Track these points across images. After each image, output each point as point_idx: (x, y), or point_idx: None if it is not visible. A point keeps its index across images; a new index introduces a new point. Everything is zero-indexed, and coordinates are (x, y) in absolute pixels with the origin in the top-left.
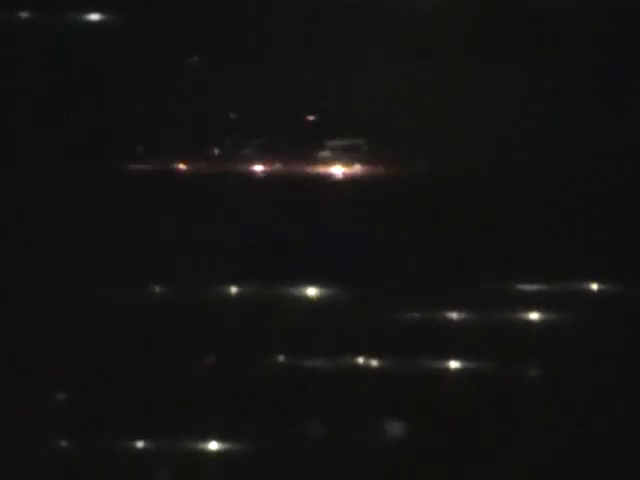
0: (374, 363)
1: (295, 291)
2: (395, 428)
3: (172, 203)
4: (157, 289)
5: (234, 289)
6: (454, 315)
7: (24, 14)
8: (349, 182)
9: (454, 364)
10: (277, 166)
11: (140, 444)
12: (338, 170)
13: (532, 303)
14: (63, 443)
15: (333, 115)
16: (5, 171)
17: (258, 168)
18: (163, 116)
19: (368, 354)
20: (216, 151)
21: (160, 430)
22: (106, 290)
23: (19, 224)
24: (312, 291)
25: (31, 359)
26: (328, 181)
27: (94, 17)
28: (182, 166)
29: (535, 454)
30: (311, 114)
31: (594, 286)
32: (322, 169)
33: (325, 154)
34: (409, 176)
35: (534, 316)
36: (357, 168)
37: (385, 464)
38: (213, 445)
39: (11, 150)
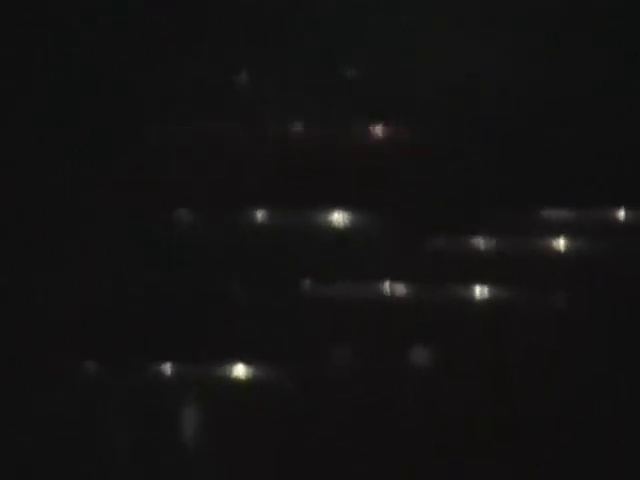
0: (401, 290)
1: (323, 217)
2: (421, 356)
3: None
4: (188, 213)
5: (261, 214)
6: (482, 243)
7: None
8: None
9: (481, 291)
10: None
11: (168, 368)
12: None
13: (559, 230)
14: (96, 367)
15: None
16: None
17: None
18: None
19: (396, 281)
20: None
21: (187, 355)
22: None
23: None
24: (339, 217)
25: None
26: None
27: None
28: None
29: (560, 384)
30: None
31: (621, 213)
32: None
33: None
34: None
35: (561, 244)
36: None
37: (412, 392)
38: (241, 370)
39: None
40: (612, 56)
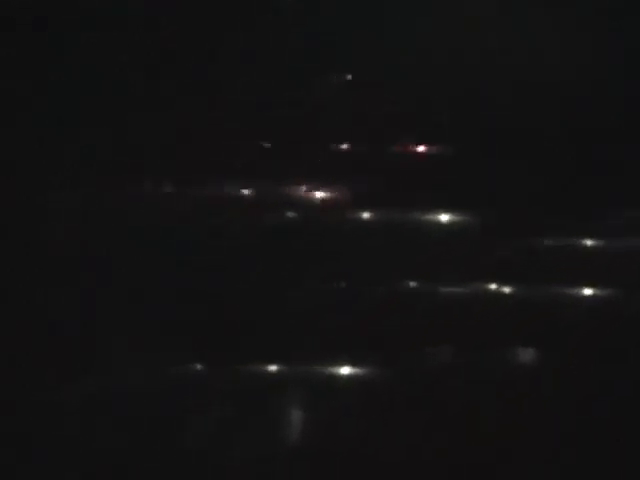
0: (506, 290)
1: (427, 217)
2: (526, 355)
3: None
4: (289, 214)
5: (366, 214)
6: (587, 242)
7: None
8: None
9: (586, 291)
10: None
11: (273, 368)
12: None
13: None
14: (198, 367)
15: None
16: None
17: None
18: None
19: (500, 281)
20: None
21: (291, 354)
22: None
23: None
24: (444, 217)
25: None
26: None
27: None
28: None
29: None
30: None
31: None
32: None
33: None
34: None
35: None
36: None
37: (515, 390)
38: (345, 370)
39: None
40: None
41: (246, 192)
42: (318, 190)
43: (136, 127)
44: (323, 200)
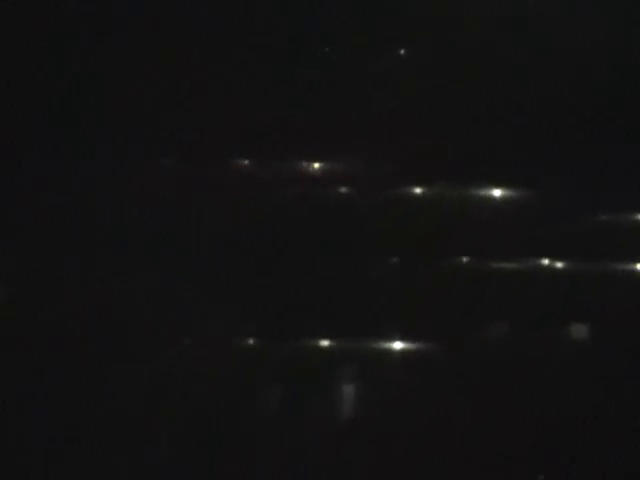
0: (559, 265)
1: (480, 192)
2: (579, 331)
3: None
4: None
5: (418, 189)
6: None
7: None
8: None
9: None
10: None
11: (325, 343)
12: None
13: None
14: (255, 342)
15: None
16: None
17: None
18: None
19: (554, 256)
20: None
21: (345, 330)
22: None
23: None
24: (497, 192)
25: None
26: None
27: None
28: None
29: None
30: None
31: None
32: None
33: None
34: None
35: None
36: None
37: (567, 366)
38: (397, 345)
39: None
40: None
41: (312, 167)
42: (369, 167)
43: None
44: (375, 177)
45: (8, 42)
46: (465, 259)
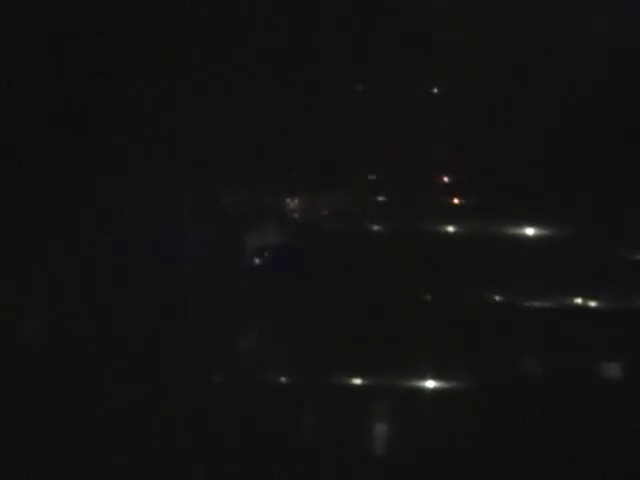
0: (592, 304)
1: (514, 230)
2: (612, 369)
3: None
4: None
5: (451, 228)
6: None
7: None
8: None
9: None
10: None
11: (358, 381)
12: None
13: None
14: (287, 378)
15: None
16: None
17: None
18: None
19: (586, 295)
20: None
21: (376, 368)
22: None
23: None
24: (530, 231)
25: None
26: None
27: None
28: None
29: None
30: None
31: None
32: None
33: None
34: None
35: None
36: None
37: (602, 405)
38: (429, 384)
39: None
40: None
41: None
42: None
43: None
44: (409, 213)
45: (8, 42)
46: (498, 297)
